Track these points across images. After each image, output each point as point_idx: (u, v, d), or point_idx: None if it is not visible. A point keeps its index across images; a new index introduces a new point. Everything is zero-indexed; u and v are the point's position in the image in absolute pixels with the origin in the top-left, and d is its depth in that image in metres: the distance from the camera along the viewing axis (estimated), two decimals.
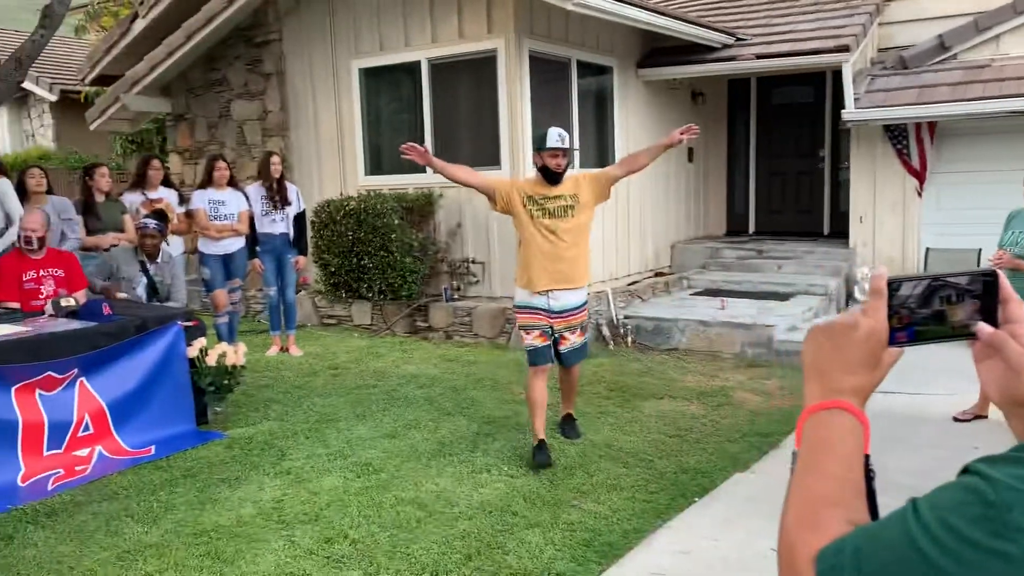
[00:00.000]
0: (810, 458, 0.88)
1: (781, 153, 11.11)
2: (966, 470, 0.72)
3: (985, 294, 0.90)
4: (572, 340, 4.90)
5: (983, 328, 0.90)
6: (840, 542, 0.76)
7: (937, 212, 8.97)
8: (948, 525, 0.68)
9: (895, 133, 8.92)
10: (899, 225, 9.19)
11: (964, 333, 0.91)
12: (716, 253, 10.21)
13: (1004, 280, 0.91)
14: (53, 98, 15.26)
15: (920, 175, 8.93)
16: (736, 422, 5.46)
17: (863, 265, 9.17)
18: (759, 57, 8.87)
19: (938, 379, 5.98)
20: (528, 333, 4.80)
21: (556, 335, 4.84)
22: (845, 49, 8.28)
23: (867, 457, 0.88)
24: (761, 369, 6.89)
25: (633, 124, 9.52)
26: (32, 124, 16.49)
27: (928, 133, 8.76)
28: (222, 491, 4.44)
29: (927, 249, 8.80)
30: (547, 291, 4.77)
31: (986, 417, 5.23)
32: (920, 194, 8.99)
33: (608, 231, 9.09)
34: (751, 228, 11.38)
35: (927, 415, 5.46)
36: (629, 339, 7.95)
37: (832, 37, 8.59)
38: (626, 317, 8.13)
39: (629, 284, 9.17)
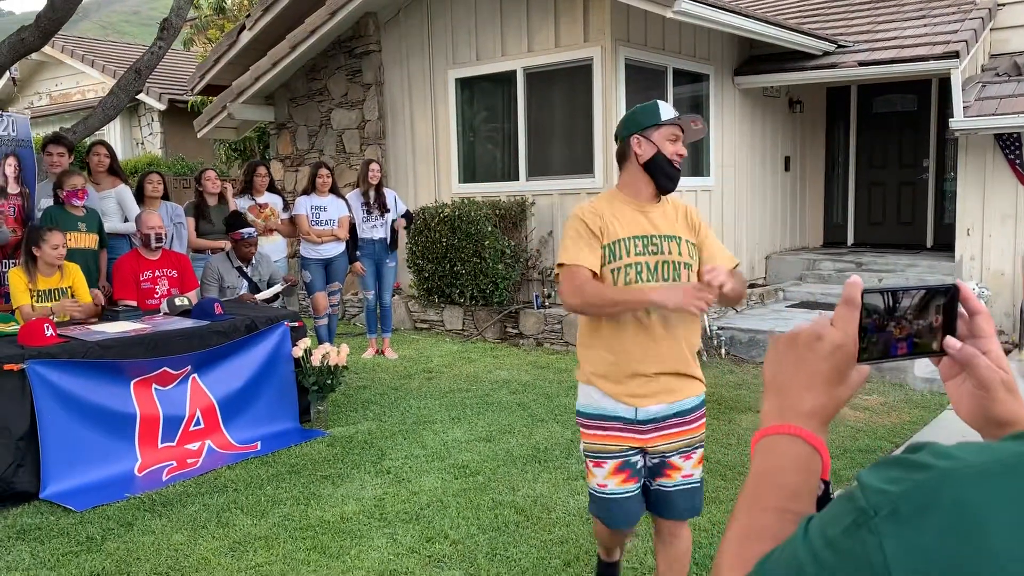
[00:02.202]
0: (753, 489, 0.83)
1: (882, 163, 10.78)
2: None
3: (947, 307, 0.87)
4: (683, 470, 2.80)
5: (951, 342, 0.85)
6: (757, 569, 0.72)
7: None
8: (825, 536, 0.66)
9: (1007, 142, 8.55)
10: (1010, 238, 8.80)
11: (932, 350, 0.87)
12: (813, 265, 9.97)
13: (968, 292, 0.86)
14: (162, 107, 15.98)
15: None
16: (837, 438, 5.32)
17: (970, 279, 8.82)
18: (862, 64, 8.64)
19: None
20: (598, 465, 2.80)
21: (650, 464, 2.81)
22: (955, 55, 7.99)
23: (827, 483, 0.83)
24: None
25: (728, 133, 9.40)
26: (142, 132, 17.30)
27: None
28: (326, 488, 4.57)
29: None
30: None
31: None
32: None
33: None
34: (850, 240, 11.07)
35: None
36: (723, 351, 7.84)
37: (941, 43, 8.30)
38: (720, 328, 8.02)
39: None
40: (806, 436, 0.83)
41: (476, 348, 8.11)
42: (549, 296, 8.38)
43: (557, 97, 8.49)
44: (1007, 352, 4.15)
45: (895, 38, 8.99)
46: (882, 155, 10.76)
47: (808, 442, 0.82)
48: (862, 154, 10.90)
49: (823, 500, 0.83)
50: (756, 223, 10.01)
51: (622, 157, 2.79)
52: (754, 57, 9.46)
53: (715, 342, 7.90)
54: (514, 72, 8.54)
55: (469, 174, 9.13)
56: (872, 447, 5.11)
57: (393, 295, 8.18)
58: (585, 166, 8.13)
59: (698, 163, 9.08)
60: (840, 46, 9.21)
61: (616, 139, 2.83)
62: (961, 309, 0.89)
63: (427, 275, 8.58)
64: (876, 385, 6.63)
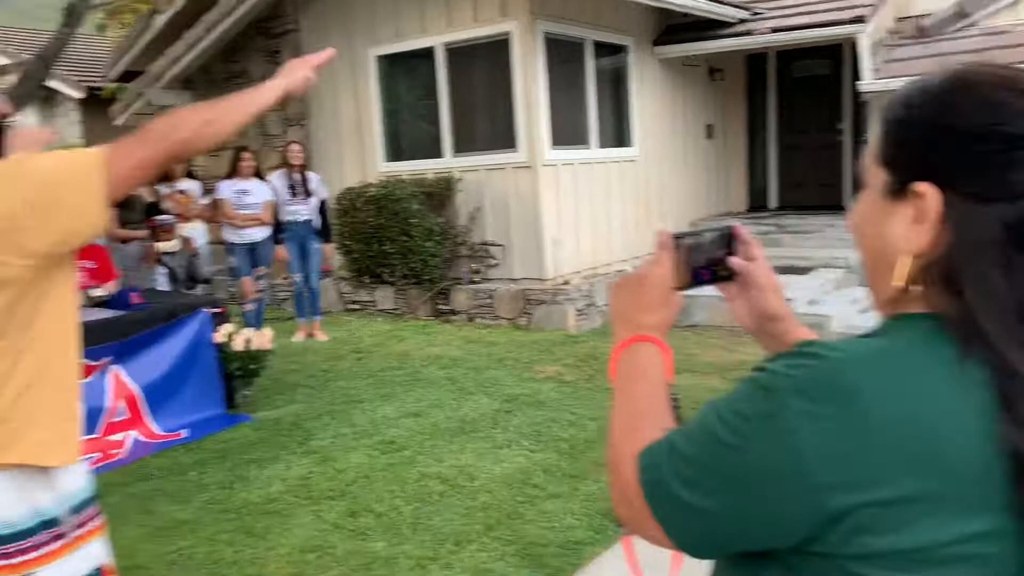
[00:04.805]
0: (626, 385, 1.03)
1: (802, 127, 11.06)
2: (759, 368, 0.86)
3: (729, 243, 1.16)
4: None
5: (735, 261, 1.14)
6: (658, 442, 0.89)
7: None
8: (735, 411, 0.83)
9: None
10: None
11: (726, 275, 1.16)
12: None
13: (741, 230, 1.15)
14: (79, 95, 15.51)
15: None
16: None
17: None
18: (775, 31, 8.84)
19: None
20: None
21: None
22: (861, 20, 8.23)
23: (671, 385, 1.04)
24: None
25: (650, 103, 9.53)
26: (60, 123, 16.79)
27: None
28: (251, 470, 4.59)
29: None
30: None
31: None
32: None
33: (627, 209, 9.13)
34: (773, 203, 11.35)
35: None
36: None
37: (848, 8, 8.53)
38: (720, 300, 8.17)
39: None
40: (654, 340, 1.07)
41: (408, 327, 8.15)
42: (478, 272, 8.43)
43: (479, 72, 8.49)
44: None
45: (806, 4, 9.21)
46: (801, 119, 11.04)
47: (656, 345, 1.07)
48: (782, 119, 11.16)
49: (674, 399, 1.04)
50: (681, 191, 10.19)
51: None
52: (672, 27, 9.58)
53: None
54: (434, 48, 8.52)
55: (395, 152, 9.10)
56: None
57: (323, 277, 8.15)
58: (508, 141, 8.17)
59: (621, 133, 9.20)
60: (755, 13, 9.40)
61: None
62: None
63: (356, 256, 8.57)
64: None
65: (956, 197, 0.80)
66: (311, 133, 9.67)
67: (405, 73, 9.05)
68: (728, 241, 1.16)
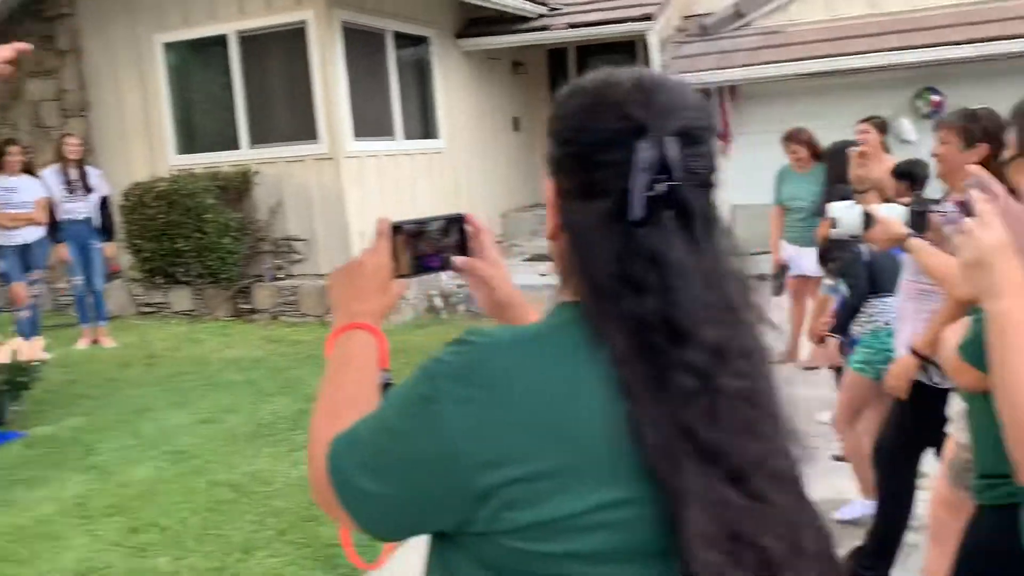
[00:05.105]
0: (335, 371, 1.03)
1: None
2: None
3: (461, 231, 1.15)
4: None
5: (455, 261, 1.14)
6: (347, 430, 0.90)
7: (741, 171, 9.52)
8: (404, 397, 0.87)
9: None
10: None
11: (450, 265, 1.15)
12: (545, 220, 10.44)
13: (472, 217, 1.16)
14: None
15: (724, 136, 9.46)
16: None
17: None
18: (571, 26, 9.12)
19: None
20: None
21: None
22: (649, 18, 8.64)
23: (385, 370, 1.07)
24: None
25: (455, 95, 9.56)
26: None
27: (730, 97, 9.28)
28: (19, 491, 4.20)
29: (734, 206, 9.36)
30: None
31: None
32: (726, 154, 9.53)
33: (435, 201, 9.13)
34: None
35: None
36: (461, 307, 8.06)
37: (637, 6, 8.93)
38: (459, 286, 8.22)
39: None
40: (368, 328, 1.06)
41: (206, 328, 7.75)
42: (281, 268, 8.16)
43: (276, 62, 8.20)
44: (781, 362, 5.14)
45: (601, 1, 9.55)
46: None
47: (370, 332, 1.06)
48: None
49: (386, 386, 1.07)
50: (490, 182, 10.31)
51: None
52: (474, 20, 9.66)
53: (452, 300, 8.10)
54: (227, 36, 8.14)
55: (187, 145, 8.61)
56: None
57: (109, 280, 7.60)
58: (309, 133, 7.95)
59: (427, 125, 9.18)
60: (552, 9, 9.64)
61: None
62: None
63: (147, 255, 8.04)
64: None
65: (564, 192, 0.88)
66: (93, 124, 8.97)
67: (197, 61, 8.59)
68: (459, 229, 1.15)
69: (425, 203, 9.02)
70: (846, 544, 3.17)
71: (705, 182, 0.85)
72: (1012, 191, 1.01)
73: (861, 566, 3.02)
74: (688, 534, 0.77)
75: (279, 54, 8.11)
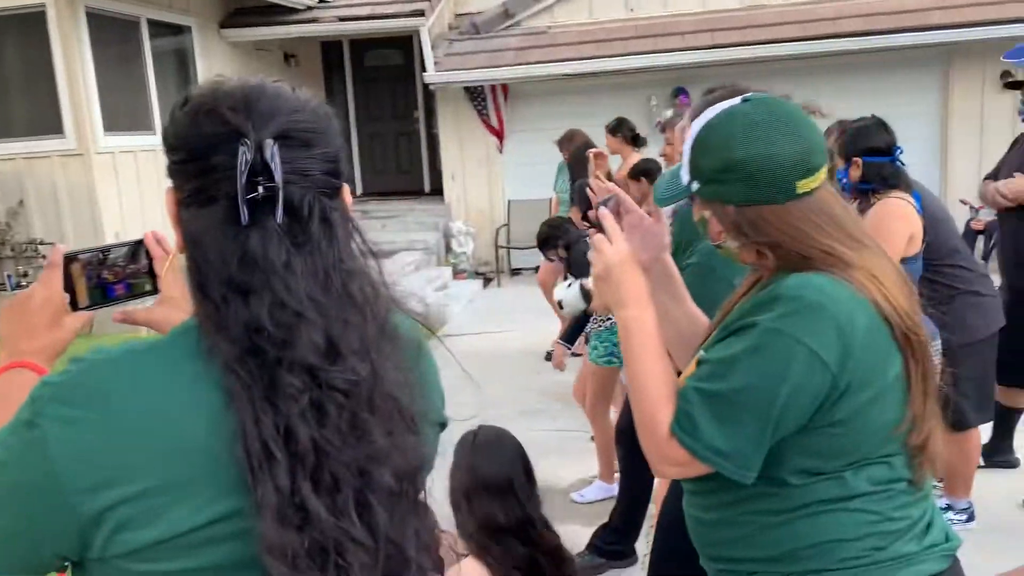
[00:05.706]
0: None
1: (380, 115, 11.41)
2: None
3: (147, 255, 1.13)
4: None
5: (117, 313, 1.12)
6: None
7: (516, 168, 9.80)
8: (8, 424, 0.82)
9: (475, 95, 9.57)
10: (485, 181, 9.94)
11: (149, 290, 1.14)
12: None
13: (149, 237, 1.13)
14: None
15: (499, 133, 9.71)
16: None
17: (458, 219, 9.81)
18: (342, 20, 8.98)
19: (518, 317, 6.64)
20: None
21: None
22: (420, 14, 8.68)
23: None
24: None
25: None
26: None
27: (503, 95, 9.52)
28: None
29: (509, 201, 9.64)
30: None
31: None
32: (501, 151, 9.79)
33: None
34: (358, 190, 11.57)
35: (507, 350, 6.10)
36: None
37: (409, 1, 8.95)
38: None
39: None
40: (31, 366, 1.02)
41: None
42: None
43: (11, 50, 7.44)
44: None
45: None
46: (378, 107, 11.38)
47: (34, 371, 1.01)
48: (360, 107, 11.41)
49: None
50: None
51: None
52: (239, 10, 9.27)
53: None
54: None
55: None
56: None
57: None
58: (54, 126, 7.29)
59: None
60: (322, 1, 9.45)
61: None
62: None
63: None
64: None
65: (181, 201, 0.85)
66: None
67: None
68: (145, 253, 1.12)
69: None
70: (580, 522, 3.37)
71: (322, 184, 0.85)
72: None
73: (604, 542, 3.20)
74: (261, 547, 0.76)
75: (15, 41, 7.37)
